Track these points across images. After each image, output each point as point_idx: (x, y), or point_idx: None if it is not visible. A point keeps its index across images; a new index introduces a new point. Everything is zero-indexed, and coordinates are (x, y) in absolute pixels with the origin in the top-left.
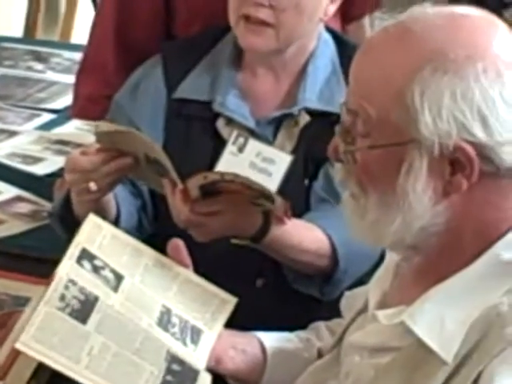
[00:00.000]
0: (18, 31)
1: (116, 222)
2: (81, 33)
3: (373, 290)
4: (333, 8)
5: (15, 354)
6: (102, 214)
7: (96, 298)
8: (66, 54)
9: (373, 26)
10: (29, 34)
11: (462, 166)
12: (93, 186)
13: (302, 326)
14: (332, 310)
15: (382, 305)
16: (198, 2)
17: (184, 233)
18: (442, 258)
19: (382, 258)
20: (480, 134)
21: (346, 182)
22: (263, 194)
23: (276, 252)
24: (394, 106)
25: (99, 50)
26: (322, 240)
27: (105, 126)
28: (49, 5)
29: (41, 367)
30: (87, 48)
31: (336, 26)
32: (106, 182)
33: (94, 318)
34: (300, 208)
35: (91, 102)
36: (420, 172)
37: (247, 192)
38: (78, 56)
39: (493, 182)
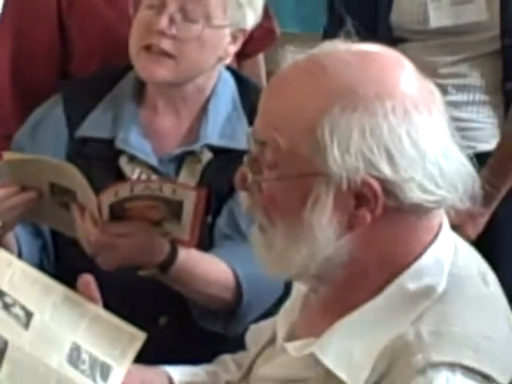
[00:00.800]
0: None
1: None
2: None
3: (281, 322)
4: (233, 48)
5: None
6: None
7: (6, 344)
8: None
9: (285, 59)
10: None
11: (367, 200)
12: None
13: (208, 361)
14: (237, 344)
15: (291, 336)
16: (94, 37)
17: (89, 269)
18: (347, 289)
19: (288, 289)
20: (386, 170)
21: (251, 212)
22: (173, 204)
23: (182, 283)
24: (303, 139)
25: None
26: (227, 272)
27: (10, 155)
28: None
29: None
30: None
31: (232, 62)
32: (8, 217)
33: (6, 367)
34: (204, 244)
35: None
36: (326, 205)
37: (156, 211)
38: None
39: (397, 216)
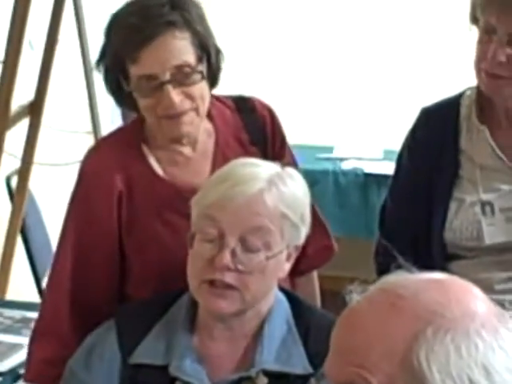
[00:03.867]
0: None
1: None
2: (15, 288)
3: None
4: (288, 266)
5: None
6: None
7: None
8: (6, 312)
9: (350, 300)
10: None
11: None
12: None
13: None
14: None
15: None
16: (151, 259)
17: None
18: None
19: None
20: None
21: None
22: None
23: None
24: (399, 373)
25: (55, 312)
26: None
27: None
28: None
29: None
30: (42, 311)
31: (285, 282)
32: None
33: None
34: None
35: (48, 365)
36: None
37: None
38: (17, 314)
39: None
